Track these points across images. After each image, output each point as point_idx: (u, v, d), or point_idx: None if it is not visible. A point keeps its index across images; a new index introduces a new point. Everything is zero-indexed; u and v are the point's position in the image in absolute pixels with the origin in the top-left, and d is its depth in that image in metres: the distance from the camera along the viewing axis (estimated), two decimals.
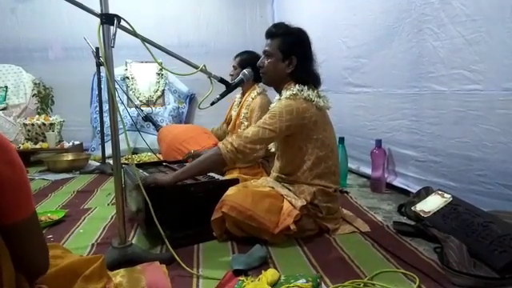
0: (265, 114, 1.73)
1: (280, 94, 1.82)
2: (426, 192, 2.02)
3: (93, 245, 1.64)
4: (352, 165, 2.89)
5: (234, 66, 2.69)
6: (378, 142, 2.48)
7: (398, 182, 2.45)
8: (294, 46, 1.76)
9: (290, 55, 1.76)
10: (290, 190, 1.74)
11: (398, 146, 2.44)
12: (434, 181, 2.11)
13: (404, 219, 1.93)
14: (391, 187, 2.48)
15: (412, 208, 1.86)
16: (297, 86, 1.74)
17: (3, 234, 0.80)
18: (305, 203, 1.66)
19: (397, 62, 2.38)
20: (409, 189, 2.31)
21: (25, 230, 0.83)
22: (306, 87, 1.74)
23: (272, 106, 1.82)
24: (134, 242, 1.54)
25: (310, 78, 1.78)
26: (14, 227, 0.80)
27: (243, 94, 2.71)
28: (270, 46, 1.80)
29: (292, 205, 1.64)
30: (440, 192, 1.85)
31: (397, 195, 2.38)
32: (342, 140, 2.59)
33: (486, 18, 1.75)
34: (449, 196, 1.79)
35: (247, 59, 2.64)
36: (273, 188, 1.75)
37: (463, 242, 1.46)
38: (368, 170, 2.64)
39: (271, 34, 1.81)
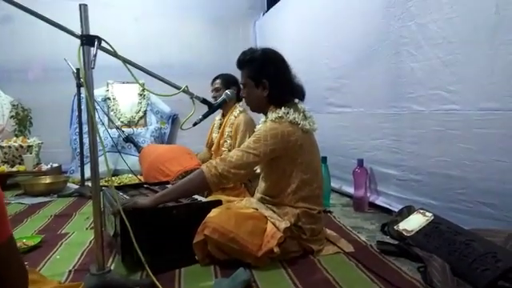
0: (250, 129, 1.72)
1: (266, 115, 1.80)
2: (408, 211, 2.03)
3: (70, 271, 1.58)
4: (335, 184, 2.90)
5: (216, 88, 2.68)
6: (360, 162, 2.50)
7: (380, 201, 2.46)
8: (260, 70, 1.76)
9: (260, 80, 1.75)
10: (273, 211, 1.73)
11: (380, 165, 2.46)
12: (416, 199, 2.13)
13: (387, 238, 1.93)
14: (374, 206, 2.49)
15: (395, 227, 1.87)
16: (282, 108, 1.72)
17: None
18: (289, 225, 1.64)
19: (376, 82, 2.43)
20: (391, 208, 2.33)
21: (1, 256, 0.77)
22: (291, 110, 1.72)
23: (257, 128, 1.81)
24: (113, 268, 1.49)
25: (289, 95, 1.77)
26: None
27: (224, 116, 2.70)
28: (242, 76, 1.83)
29: (276, 227, 1.62)
30: (422, 211, 1.87)
31: (379, 214, 2.38)
32: (324, 159, 2.59)
33: (461, 40, 1.81)
34: (430, 214, 1.80)
35: (229, 78, 2.66)
36: (256, 209, 1.73)
37: (446, 261, 1.46)
38: (351, 190, 2.65)
39: (239, 64, 1.83)
